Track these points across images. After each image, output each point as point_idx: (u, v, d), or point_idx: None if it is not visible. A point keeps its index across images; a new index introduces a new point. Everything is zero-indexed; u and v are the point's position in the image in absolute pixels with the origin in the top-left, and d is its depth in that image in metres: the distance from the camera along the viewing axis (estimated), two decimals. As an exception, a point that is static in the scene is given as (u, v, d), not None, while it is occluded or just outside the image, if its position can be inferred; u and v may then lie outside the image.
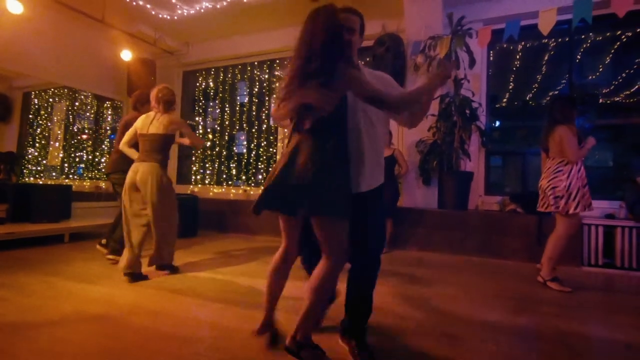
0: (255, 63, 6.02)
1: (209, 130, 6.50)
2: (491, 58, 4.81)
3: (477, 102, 4.23)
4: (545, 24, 3.41)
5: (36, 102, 8.19)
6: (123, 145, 3.03)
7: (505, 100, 4.87)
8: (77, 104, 7.78)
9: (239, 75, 6.25)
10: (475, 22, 4.43)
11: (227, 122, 6.30)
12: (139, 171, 2.81)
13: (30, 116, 8.25)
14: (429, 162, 4.39)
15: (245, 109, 6.20)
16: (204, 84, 6.51)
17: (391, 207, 4.28)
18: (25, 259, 3.45)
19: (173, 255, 3.09)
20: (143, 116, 3.02)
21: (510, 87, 4.83)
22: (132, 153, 3.00)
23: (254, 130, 6.10)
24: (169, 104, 2.97)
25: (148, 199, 2.80)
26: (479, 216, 4.23)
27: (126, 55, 5.28)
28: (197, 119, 6.56)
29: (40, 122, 8.15)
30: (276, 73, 5.93)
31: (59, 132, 7.95)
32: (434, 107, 4.31)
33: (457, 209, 4.29)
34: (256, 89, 6.07)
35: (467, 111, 4.09)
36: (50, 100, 8.05)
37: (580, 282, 3.12)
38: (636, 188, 3.53)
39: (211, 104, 6.51)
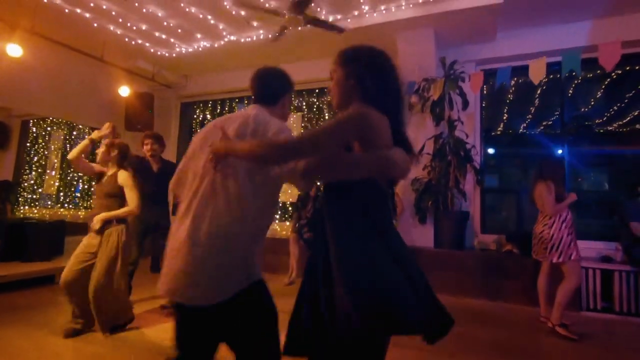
0: (252, 97, 6.07)
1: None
2: (485, 92, 4.85)
3: (471, 144, 4.26)
4: (536, 74, 3.48)
5: (34, 130, 8.22)
6: None
7: (499, 130, 4.90)
8: (74, 133, 7.82)
9: (235, 108, 6.31)
10: (468, 62, 4.52)
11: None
12: None
13: (28, 144, 8.28)
14: (424, 200, 4.39)
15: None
16: (201, 115, 6.56)
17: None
18: (13, 305, 3.38)
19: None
20: None
21: (505, 117, 4.87)
22: None
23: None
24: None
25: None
26: (476, 256, 4.19)
27: (124, 91, 5.33)
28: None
29: (38, 150, 8.17)
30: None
31: (55, 160, 7.96)
32: (429, 146, 4.35)
33: (454, 249, 4.25)
34: (253, 122, 6.11)
35: (462, 152, 4.11)
36: (49, 129, 8.09)
37: (581, 329, 3.06)
38: (630, 233, 3.52)
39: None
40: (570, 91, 4.59)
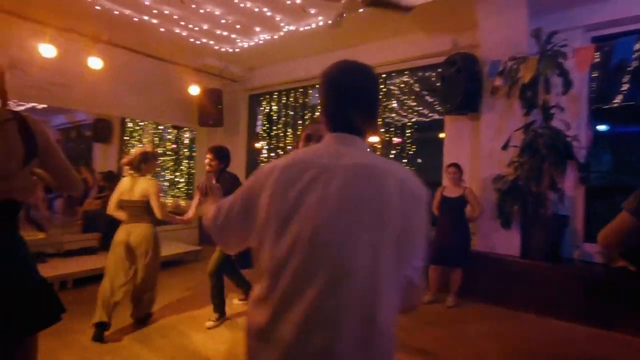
0: (317, 86, 5.82)
1: (272, 153, 6.55)
2: (594, 65, 3.82)
3: (572, 136, 3.43)
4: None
5: (130, 125, 9.20)
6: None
7: (615, 102, 3.86)
8: (161, 127, 8.53)
9: (300, 99, 6.14)
10: (572, 30, 3.61)
11: (290, 146, 6.26)
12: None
13: (126, 138, 9.31)
14: (507, 202, 3.73)
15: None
16: (267, 107, 6.55)
17: (461, 255, 3.76)
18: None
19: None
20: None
21: (623, 88, 3.80)
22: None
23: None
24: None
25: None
26: (577, 270, 3.47)
27: (194, 90, 5.52)
28: (261, 143, 6.64)
29: (133, 143, 9.14)
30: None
31: (147, 152, 8.83)
32: (518, 138, 3.64)
33: (547, 260, 3.58)
34: (318, 112, 5.89)
35: (560, 146, 3.35)
36: (141, 123, 8.97)
37: None
38: None
39: (274, 127, 6.52)
40: None
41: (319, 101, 1.07)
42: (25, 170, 1.27)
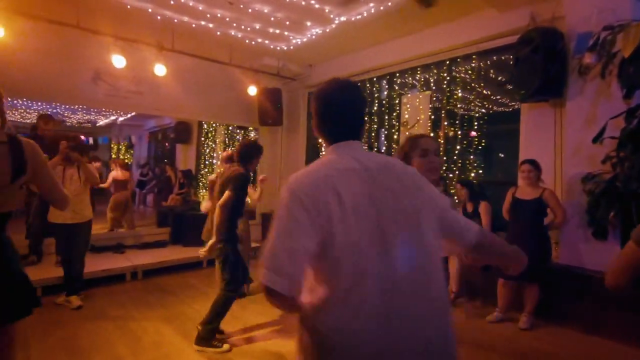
0: (374, 79, 5.51)
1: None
2: None
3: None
4: None
5: (205, 126, 9.88)
6: None
7: None
8: (230, 127, 8.99)
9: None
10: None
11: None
12: None
13: (203, 139, 10.03)
14: (601, 207, 3.02)
15: (365, 127, 5.79)
16: (326, 104, 6.41)
17: (537, 268, 3.16)
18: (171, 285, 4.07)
19: None
20: None
21: None
22: None
23: (374, 150, 5.65)
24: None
25: None
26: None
27: (252, 90, 5.63)
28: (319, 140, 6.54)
29: (209, 143, 9.80)
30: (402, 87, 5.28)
31: (219, 152, 9.38)
32: (615, 127, 2.91)
33: (657, 282, 2.81)
34: (375, 107, 5.56)
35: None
36: (214, 125, 9.57)
37: None
38: None
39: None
40: None
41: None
42: (13, 186, 1.44)
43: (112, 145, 13.62)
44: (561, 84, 3.39)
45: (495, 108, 4.86)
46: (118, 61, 4.23)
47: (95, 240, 5.08)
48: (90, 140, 12.50)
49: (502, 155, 5.61)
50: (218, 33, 4.69)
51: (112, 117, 11.12)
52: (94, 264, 4.26)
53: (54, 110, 9.21)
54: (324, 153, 1.60)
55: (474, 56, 4.33)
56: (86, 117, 11.25)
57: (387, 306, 0.91)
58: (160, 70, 4.58)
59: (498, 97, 4.66)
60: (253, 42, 5.05)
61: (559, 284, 3.26)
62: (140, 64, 4.66)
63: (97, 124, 12.04)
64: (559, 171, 3.55)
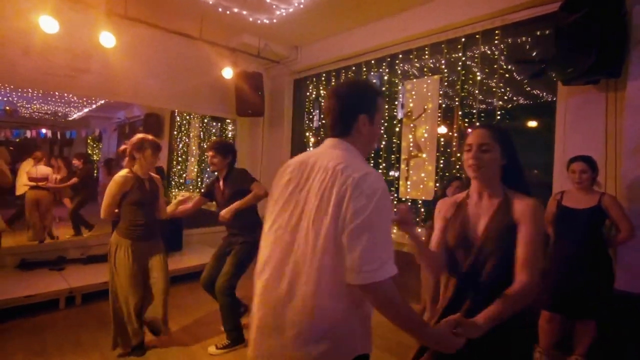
0: (373, 61, 4.69)
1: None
2: None
3: None
4: None
5: (178, 119, 8.87)
6: None
7: None
8: (206, 120, 8.02)
9: (353, 78, 5.05)
10: None
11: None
12: None
13: (175, 132, 9.01)
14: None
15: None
16: (314, 92, 5.56)
17: (595, 300, 2.42)
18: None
19: None
20: None
21: None
22: None
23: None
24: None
25: None
26: None
27: (227, 72, 4.74)
28: (307, 133, 5.69)
29: (182, 138, 8.79)
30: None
31: (194, 147, 8.41)
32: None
33: None
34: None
35: None
36: (188, 117, 8.57)
37: None
38: None
39: (322, 117, 5.52)
40: None
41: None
42: None
43: (88, 141, 12.43)
44: (620, 61, 2.66)
45: (521, 98, 4.13)
46: (48, 24, 3.25)
47: (27, 254, 4.09)
48: (58, 135, 11.25)
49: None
50: (183, -4, 3.78)
51: (86, 110, 9.93)
52: (18, 287, 3.31)
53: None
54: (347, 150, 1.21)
55: (497, 31, 3.57)
56: (46, 108, 10.00)
57: None
58: (107, 39, 3.62)
59: (524, 82, 3.91)
60: (228, 12, 4.14)
61: (620, 318, 2.53)
62: (84, 34, 3.71)
63: (69, 118, 10.79)
64: (611, 172, 2.82)
